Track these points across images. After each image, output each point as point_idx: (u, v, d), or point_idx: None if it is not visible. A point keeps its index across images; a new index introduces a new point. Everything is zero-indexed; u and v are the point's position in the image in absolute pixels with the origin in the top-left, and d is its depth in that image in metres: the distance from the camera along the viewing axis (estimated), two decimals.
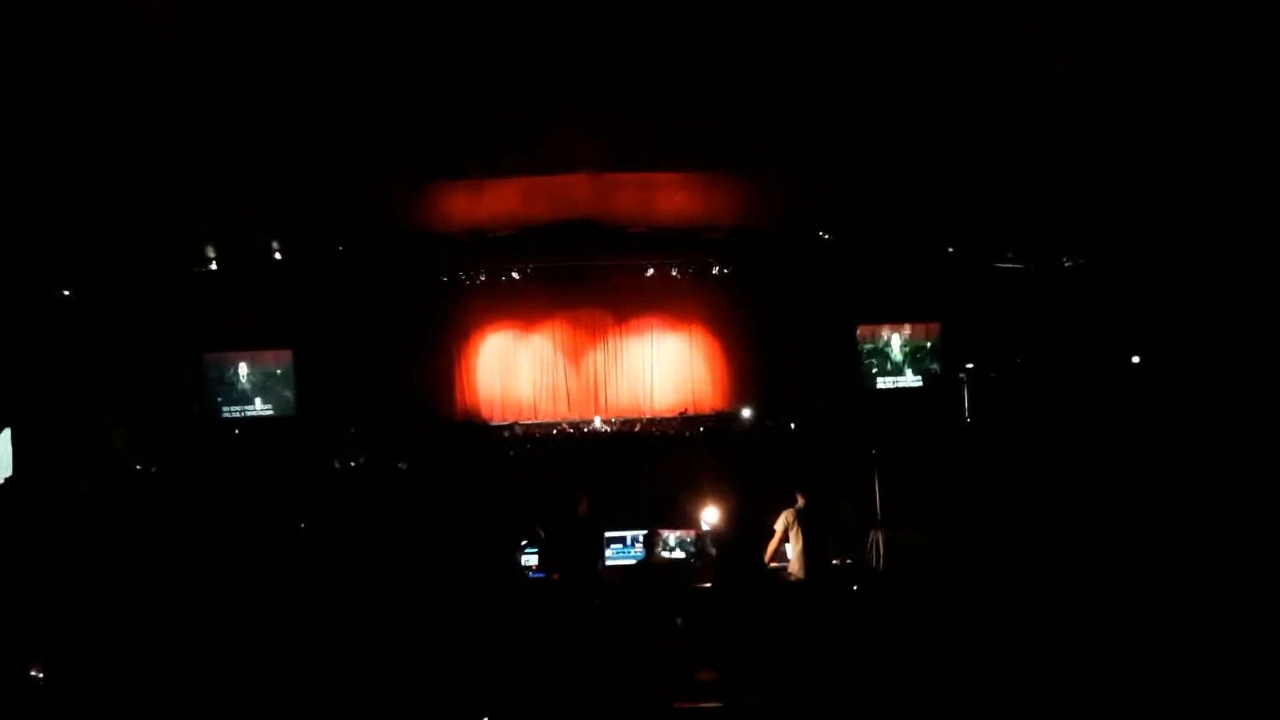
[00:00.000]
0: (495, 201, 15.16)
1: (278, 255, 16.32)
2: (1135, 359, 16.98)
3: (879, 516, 7.99)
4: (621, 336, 21.09)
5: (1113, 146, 11.08)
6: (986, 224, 15.59)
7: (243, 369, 18.54)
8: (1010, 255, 17.95)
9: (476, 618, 5.68)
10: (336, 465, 13.60)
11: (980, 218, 15.05)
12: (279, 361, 18.64)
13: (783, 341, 18.97)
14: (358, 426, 16.69)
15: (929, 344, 20.20)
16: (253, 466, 13.22)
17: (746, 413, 18.47)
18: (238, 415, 18.38)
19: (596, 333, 21.02)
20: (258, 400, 18.61)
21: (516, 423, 19.47)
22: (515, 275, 19.84)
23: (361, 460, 13.85)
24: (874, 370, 20.18)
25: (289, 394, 18.59)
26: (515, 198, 15.06)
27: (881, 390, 20.00)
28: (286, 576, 6.71)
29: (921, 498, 8.21)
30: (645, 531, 7.67)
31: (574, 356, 20.95)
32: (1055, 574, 6.12)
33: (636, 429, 18.35)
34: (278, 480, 11.40)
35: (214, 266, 16.40)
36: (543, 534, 8.27)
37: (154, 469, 13.72)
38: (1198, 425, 10.49)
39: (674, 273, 20.19)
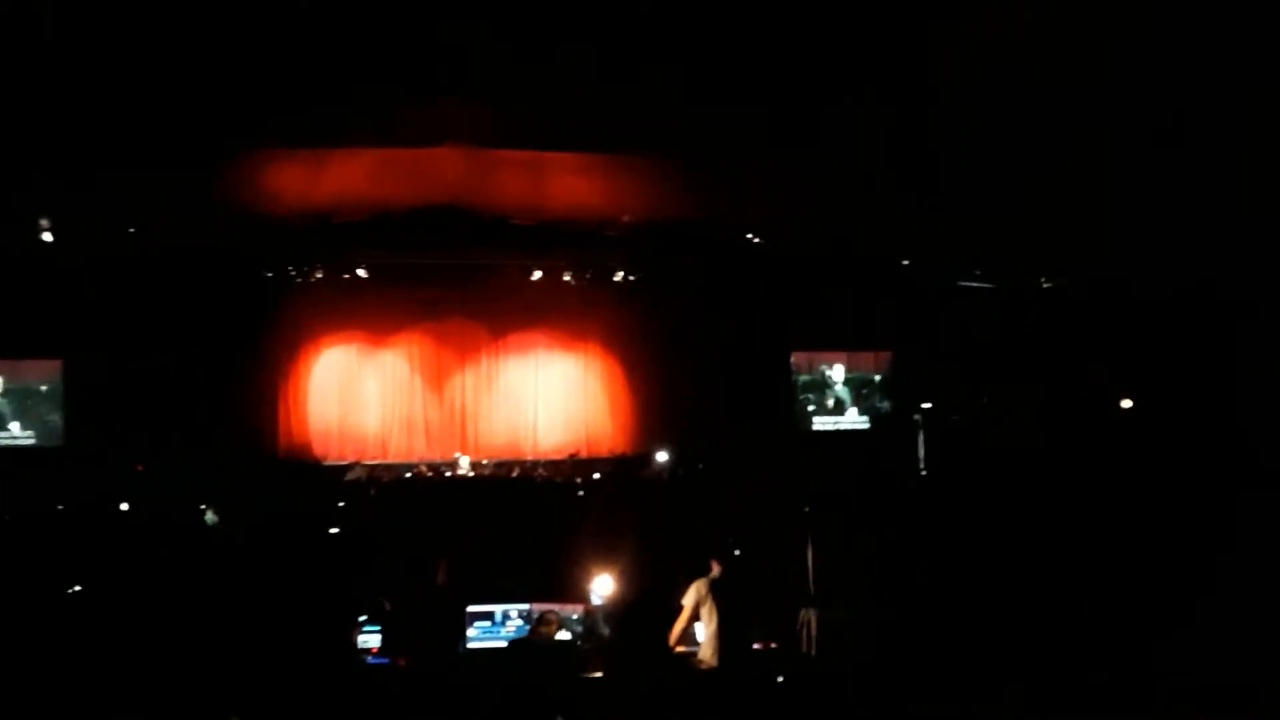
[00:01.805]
0: (339, 176, 14.92)
1: (46, 237, 15.69)
2: (1125, 403, 17.57)
3: (812, 590, 8.14)
4: (498, 356, 21.08)
5: (1102, 137, 11.53)
6: (949, 233, 16.02)
7: None
8: (977, 273, 18.59)
9: (299, 716, 5.50)
10: (119, 511, 13.08)
11: (941, 225, 15.47)
12: (44, 375, 18.08)
13: (700, 369, 19.19)
14: (147, 462, 16.21)
15: (877, 377, 20.65)
16: (4, 511, 12.60)
17: (657, 457, 18.65)
18: None
19: (466, 350, 20.96)
20: (14, 425, 18.07)
21: (358, 463, 19.19)
22: (363, 273, 19.67)
23: (151, 506, 13.31)
24: (810, 408, 20.52)
25: (56, 418, 18.06)
26: (365, 173, 14.87)
27: (819, 433, 20.38)
28: (42, 658, 6.38)
29: (865, 567, 8.38)
30: (522, 606, 7.73)
31: (436, 380, 20.85)
32: (1025, 666, 6.30)
33: (514, 474, 18.35)
34: (36, 529, 11.08)
35: None
36: (388, 607, 8.16)
37: None
38: (1202, 487, 10.85)
39: (567, 277, 20.25)
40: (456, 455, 19.56)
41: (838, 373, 20.66)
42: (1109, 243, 14.73)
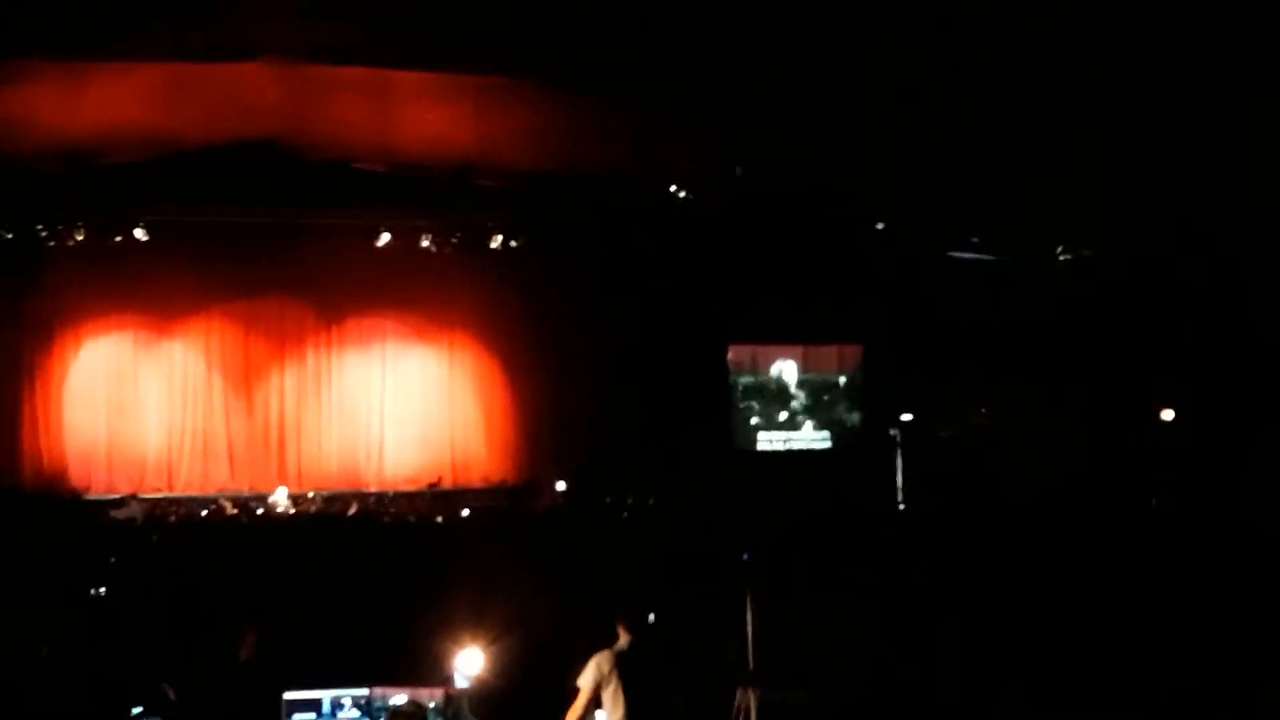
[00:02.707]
0: (108, 101, 14.82)
1: None
2: (1167, 414, 17.89)
3: (752, 665, 8.17)
4: (331, 349, 21.03)
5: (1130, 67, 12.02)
6: (937, 187, 16.27)
7: None
8: (974, 240, 18.90)
9: None
10: None
11: (927, 176, 15.73)
12: None
13: (605, 369, 19.24)
14: None
15: (842, 380, 20.87)
16: None
17: (548, 487, 18.73)
18: None
19: (286, 341, 20.84)
20: None
21: (134, 497, 18.79)
22: (141, 234, 19.43)
23: None
24: (754, 420, 20.64)
25: None
26: (144, 97, 14.78)
27: (765, 453, 20.52)
28: None
29: (822, 635, 8.57)
30: (359, 691, 7.63)
31: (244, 382, 20.73)
32: None
33: (351, 513, 18.15)
34: None
35: None
36: (172, 695, 8.03)
37: None
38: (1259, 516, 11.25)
39: (426, 243, 20.24)
40: (275, 490, 19.40)
41: (790, 373, 20.81)
42: (1150, 196, 15.05)
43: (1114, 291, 17.85)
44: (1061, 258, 18.51)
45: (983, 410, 18.64)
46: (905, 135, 14.27)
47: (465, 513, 17.33)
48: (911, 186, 16.45)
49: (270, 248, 19.87)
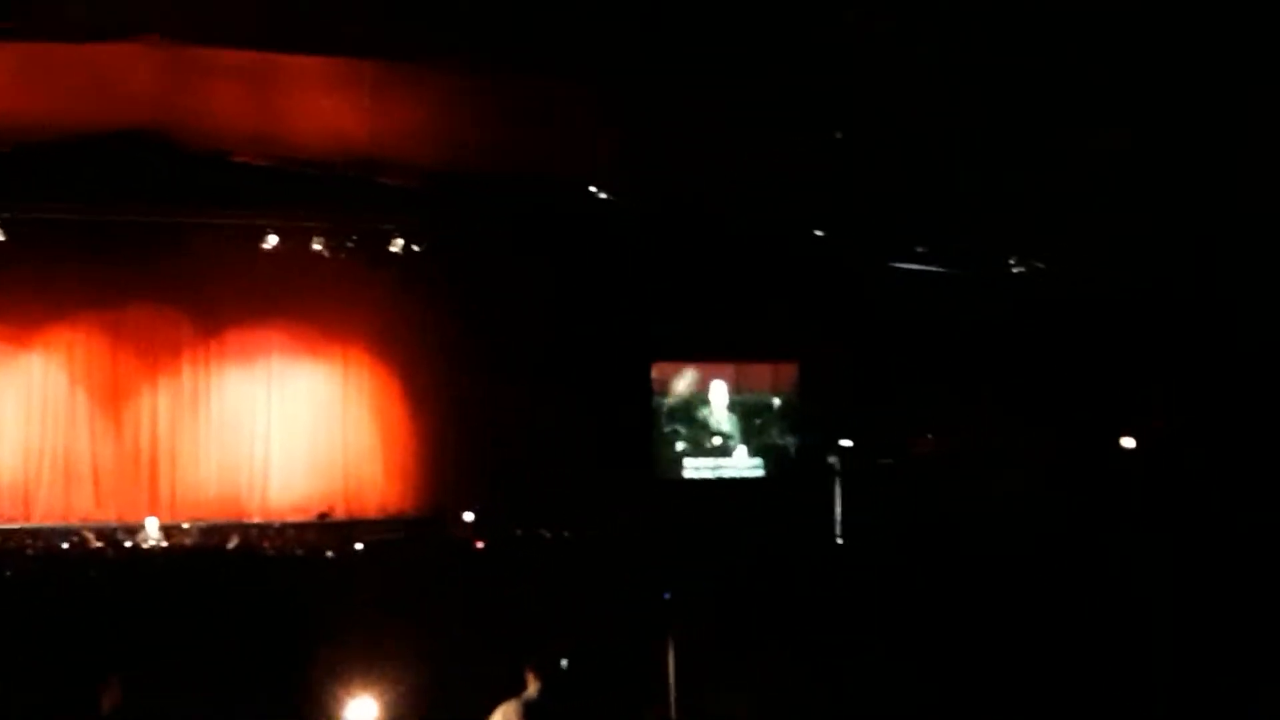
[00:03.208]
0: None
1: None
2: (1127, 441, 18.01)
3: (673, 715, 8.15)
4: (210, 364, 20.79)
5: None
6: (880, 192, 16.35)
7: None
8: (920, 250, 19.00)
9: None
10: None
11: (869, 179, 15.78)
12: None
13: (516, 388, 19.24)
14: None
15: (777, 401, 20.91)
16: None
17: (452, 518, 18.81)
18: None
19: (160, 355, 20.59)
20: None
21: None
22: None
23: None
24: (680, 445, 20.66)
25: None
26: (2, 79, 14.62)
27: (692, 482, 20.53)
28: None
29: (752, 684, 8.48)
30: None
31: (111, 400, 20.46)
32: None
33: (231, 546, 17.99)
34: None
35: None
36: None
37: None
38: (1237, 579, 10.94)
39: (318, 246, 20.13)
40: (145, 521, 19.11)
41: (719, 394, 20.81)
42: (1110, 205, 15.08)
43: (1071, 307, 18.03)
44: (1014, 270, 18.71)
45: (929, 436, 18.79)
46: (845, 136, 14.38)
47: (359, 546, 17.22)
48: (852, 191, 16.55)
49: (143, 250, 19.64)
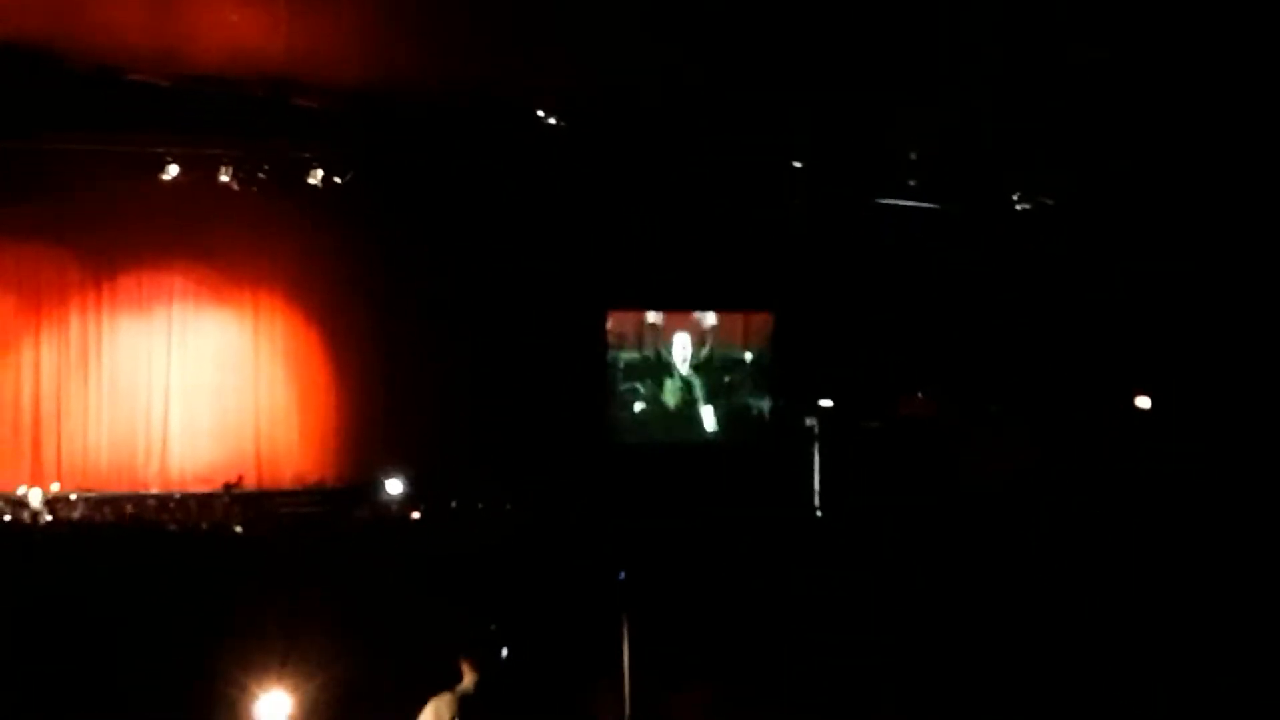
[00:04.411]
0: None
1: None
2: (1142, 401, 17.93)
3: (628, 711, 7.98)
4: (100, 313, 20.16)
5: None
6: (864, 113, 16.00)
7: None
8: (911, 184, 18.69)
9: None
10: None
11: (852, 96, 15.35)
12: None
13: (450, 340, 19.04)
14: None
15: (748, 356, 20.56)
16: None
17: (378, 488, 18.21)
18: None
19: (43, 302, 19.97)
20: None
21: None
22: None
23: None
24: (638, 406, 20.35)
25: None
26: None
27: (650, 447, 20.13)
28: None
29: (716, 673, 8.49)
30: None
31: None
32: None
33: (127, 516, 17.42)
34: None
35: None
36: None
37: None
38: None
39: (225, 178, 19.38)
40: (22, 488, 18.60)
41: (683, 348, 20.25)
42: (1126, 133, 15.00)
43: (1083, 251, 17.69)
44: (1019, 207, 18.29)
45: (920, 395, 18.44)
46: (825, 53, 13.89)
47: (279, 525, 16.74)
48: (836, 117, 16.10)
49: (22, 181, 18.83)
